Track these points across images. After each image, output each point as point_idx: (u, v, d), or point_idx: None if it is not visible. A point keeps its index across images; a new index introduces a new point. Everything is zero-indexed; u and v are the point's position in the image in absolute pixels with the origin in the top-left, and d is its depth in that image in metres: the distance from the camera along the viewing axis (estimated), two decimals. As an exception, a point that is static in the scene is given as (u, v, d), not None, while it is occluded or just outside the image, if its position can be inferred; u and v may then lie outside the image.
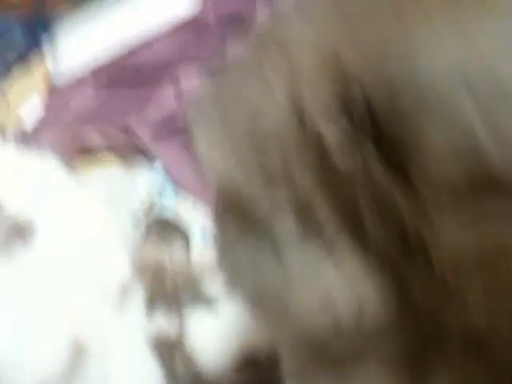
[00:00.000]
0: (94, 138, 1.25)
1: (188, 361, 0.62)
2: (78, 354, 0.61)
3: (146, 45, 1.43)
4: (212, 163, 0.42)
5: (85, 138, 1.25)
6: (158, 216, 0.92)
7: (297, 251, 0.38)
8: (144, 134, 1.17)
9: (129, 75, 1.38)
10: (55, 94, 1.48)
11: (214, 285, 0.66)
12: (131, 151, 1.23)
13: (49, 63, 1.53)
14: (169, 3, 1.52)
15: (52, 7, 1.72)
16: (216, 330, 0.62)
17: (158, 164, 1.13)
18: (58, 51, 1.55)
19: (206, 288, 0.67)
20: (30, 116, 1.41)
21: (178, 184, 1.08)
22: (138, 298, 0.66)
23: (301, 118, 0.35)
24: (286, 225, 0.38)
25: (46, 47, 1.60)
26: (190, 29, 1.44)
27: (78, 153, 1.25)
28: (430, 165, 0.30)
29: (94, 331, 0.63)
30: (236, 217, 0.42)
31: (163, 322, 0.65)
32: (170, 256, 0.69)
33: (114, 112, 1.30)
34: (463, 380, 0.35)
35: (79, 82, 1.43)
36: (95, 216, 0.83)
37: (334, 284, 0.36)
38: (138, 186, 1.05)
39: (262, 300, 0.42)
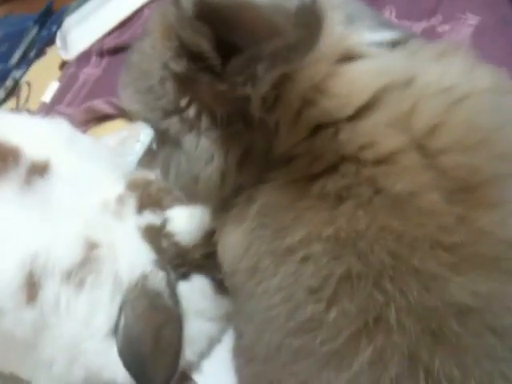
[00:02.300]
0: (104, 108, 1.42)
1: (170, 238, 0.79)
2: (90, 247, 0.80)
3: (138, 14, 1.62)
4: (125, 103, 0.60)
5: (96, 108, 1.42)
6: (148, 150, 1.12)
7: (186, 142, 0.55)
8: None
9: (126, 42, 1.57)
10: (66, 67, 1.67)
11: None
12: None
13: (61, 52, 1.72)
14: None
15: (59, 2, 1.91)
16: (188, 216, 0.79)
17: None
18: (68, 40, 1.74)
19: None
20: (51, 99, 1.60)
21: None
22: (131, 204, 0.86)
23: (163, 63, 0.52)
24: (178, 132, 0.55)
25: (58, 39, 1.79)
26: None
27: (90, 121, 1.43)
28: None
29: (101, 230, 0.82)
30: (155, 135, 0.61)
31: (150, 218, 0.81)
32: (155, 176, 0.87)
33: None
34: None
35: (84, 53, 1.64)
36: (98, 153, 1.00)
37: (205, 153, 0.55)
38: (140, 139, 1.25)
39: (180, 181, 0.60)
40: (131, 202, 0.85)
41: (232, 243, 0.54)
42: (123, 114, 1.44)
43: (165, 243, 0.80)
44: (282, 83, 0.48)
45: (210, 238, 0.73)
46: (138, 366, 0.72)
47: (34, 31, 1.88)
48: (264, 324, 0.50)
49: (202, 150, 0.54)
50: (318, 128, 0.49)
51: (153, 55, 0.53)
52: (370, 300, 0.43)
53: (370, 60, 0.51)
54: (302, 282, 0.46)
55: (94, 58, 1.63)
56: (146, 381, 0.73)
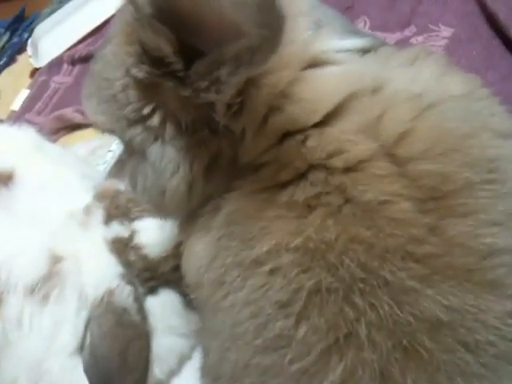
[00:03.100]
0: (75, 116, 1.40)
1: (138, 250, 0.77)
2: (55, 260, 0.77)
3: (111, 21, 1.60)
4: (89, 115, 0.58)
5: (66, 117, 1.39)
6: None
7: (151, 152, 0.53)
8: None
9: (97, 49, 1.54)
10: (37, 75, 1.64)
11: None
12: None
13: (32, 59, 1.69)
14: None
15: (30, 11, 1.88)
16: (157, 228, 0.78)
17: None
18: (39, 48, 1.71)
19: None
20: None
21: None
22: (99, 215, 0.83)
23: (125, 69, 0.50)
24: (143, 142, 0.53)
25: (29, 46, 1.76)
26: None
27: (61, 130, 1.40)
28: None
29: (66, 242, 0.79)
30: (123, 147, 0.59)
31: (118, 229, 0.80)
32: (124, 186, 0.85)
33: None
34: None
35: (56, 61, 1.62)
36: (66, 162, 0.97)
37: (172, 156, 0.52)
38: (112, 148, 1.23)
39: (147, 193, 0.57)
40: (99, 213, 0.82)
41: (197, 253, 0.52)
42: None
43: (132, 256, 0.78)
44: (246, 89, 0.47)
45: (179, 251, 0.71)
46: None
47: (4, 38, 1.85)
48: (230, 341, 0.47)
49: (168, 160, 0.52)
50: (285, 135, 0.48)
51: (114, 62, 0.51)
52: (340, 315, 0.41)
53: (337, 66, 0.49)
54: (271, 295, 0.44)
55: (65, 66, 1.60)
56: None
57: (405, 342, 0.40)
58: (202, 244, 0.51)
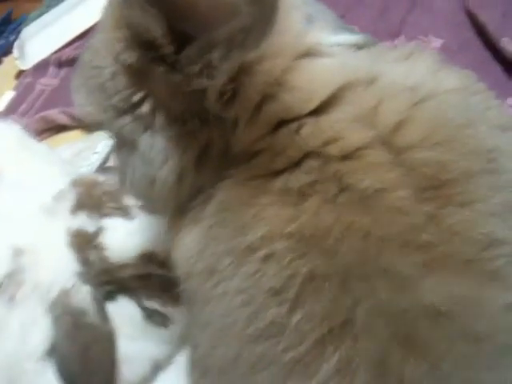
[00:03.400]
0: (59, 117, 1.38)
1: (99, 251, 0.72)
2: (17, 254, 0.71)
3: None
4: (78, 107, 0.56)
5: (50, 118, 1.37)
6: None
7: (141, 142, 0.51)
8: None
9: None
10: (22, 76, 1.62)
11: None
12: (93, 126, 1.36)
13: (18, 61, 1.67)
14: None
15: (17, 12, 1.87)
16: (126, 231, 0.73)
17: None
18: (26, 50, 1.69)
19: (125, 202, 0.77)
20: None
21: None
22: (69, 200, 0.76)
23: (114, 56, 0.49)
24: (132, 132, 0.51)
25: (15, 49, 1.74)
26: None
27: (45, 132, 1.38)
28: None
29: (30, 233, 0.73)
30: (113, 140, 0.57)
31: (84, 222, 0.74)
32: (104, 179, 0.81)
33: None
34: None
35: (42, 63, 1.59)
36: (49, 159, 0.94)
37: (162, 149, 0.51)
38: (97, 150, 1.21)
39: (136, 186, 0.55)
40: (69, 198, 0.78)
41: (187, 244, 0.50)
42: (80, 125, 1.41)
43: (93, 255, 0.74)
44: (239, 76, 0.46)
45: (143, 260, 0.69)
46: None
47: (-11, 40, 1.81)
48: (221, 331, 0.46)
49: (157, 151, 0.50)
50: (279, 124, 0.47)
51: (103, 49, 0.50)
52: (335, 303, 0.40)
53: (331, 58, 0.49)
54: (264, 283, 0.43)
55: (51, 69, 1.59)
56: None
57: (403, 331, 0.38)
58: (192, 234, 0.50)
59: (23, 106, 1.49)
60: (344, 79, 0.47)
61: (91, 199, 0.77)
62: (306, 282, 0.41)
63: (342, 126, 0.45)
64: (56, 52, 1.65)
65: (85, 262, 0.72)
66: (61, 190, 0.79)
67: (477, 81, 0.51)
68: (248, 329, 0.43)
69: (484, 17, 1.12)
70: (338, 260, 0.40)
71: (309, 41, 0.49)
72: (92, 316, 0.69)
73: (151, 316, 0.74)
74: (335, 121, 0.45)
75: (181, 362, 0.78)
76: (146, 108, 0.49)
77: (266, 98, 0.47)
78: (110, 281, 0.73)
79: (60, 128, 1.38)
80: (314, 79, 0.47)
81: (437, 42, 1.22)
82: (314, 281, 0.41)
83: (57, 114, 1.36)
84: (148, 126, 0.50)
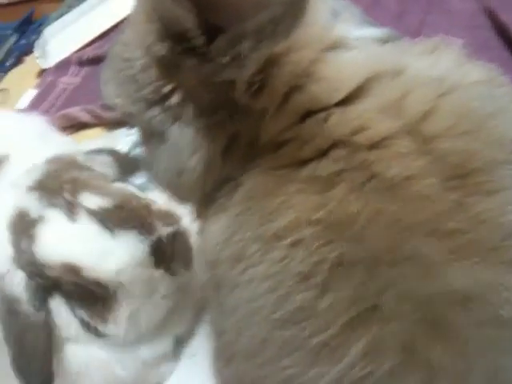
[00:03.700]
0: (81, 115, 1.40)
1: (30, 243, 0.69)
2: None
3: (119, 25, 1.61)
4: (107, 98, 0.57)
5: (72, 115, 1.39)
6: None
7: (170, 134, 0.52)
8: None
9: (106, 52, 1.55)
10: (44, 75, 1.64)
11: (93, 200, 0.72)
12: (114, 124, 1.38)
13: (40, 61, 1.70)
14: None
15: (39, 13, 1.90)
16: (60, 233, 0.69)
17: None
18: (47, 49, 1.72)
19: (84, 200, 0.72)
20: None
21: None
22: (30, 178, 0.74)
23: (145, 48, 0.49)
24: (162, 123, 0.52)
25: (36, 48, 1.77)
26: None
27: (66, 129, 1.40)
28: None
29: None
30: (141, 132, 0.58)
31: (31, 204, 0.70)
32: (90, 171, 0.77)
33: (99, 90, 1.46)
34: None
35: (64, 62, 1.61)
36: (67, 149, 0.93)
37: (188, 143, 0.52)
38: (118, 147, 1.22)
39: (165, 176, 0.56)
40: (34, 174, 0.75)
41: (214, 232, 0.51)
42: (100, 123, 1.43)
43: (24, 243, 0.70)
44: (267, 68, 0.47)
45: (66, 269, 0.67)
46: (15, 370, 0.68)
47: (12, 39, 1.85)
48: (248, 316, 0.47)
49: (186, 141, 0.51)
50: (306, 114, 0.48)
51: (135, 42, 0.51)
52: (363, 288, 0.41)
53: (358, 50, 0.50)
54: (291, 268, 0.43)
55: (72, 68, 1.61)
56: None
57: (430, 316, 0.39)
58: (220, 222, 0.51)
59: (45, 104, 1.51)
60: (371, 71, 0.47)
61: (54, 181, 0.73)
62: (334, 268, 0.41)
63: (370, 116, 0.45)
64: (77, 51, 1.67)
65: (17, 247, 0.70)
66: (33, 165, 0.77)
67: (501, 74, 0.52)
68: (275, 314, 0.44)
69: (505, 16, 1.12)
70: (366, 246, 0.41)
71: (335, 34, 0.50)
72: (24, 304, 0.68)
73: (86, 326, 0.72)
74: (362, 111, 0.46)
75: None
76: (175, 99, 0.50)
77: (294, 88, 0.47)
78: (40, 275, 0.70)
79: (81, 125, 1.40)
80: (341, 71, 0.48)
81: (457, 42, 1.21)
82: (342, 266, 0.41)
83: (78, 112, 1.38)
84: (177, 118, 0.51)
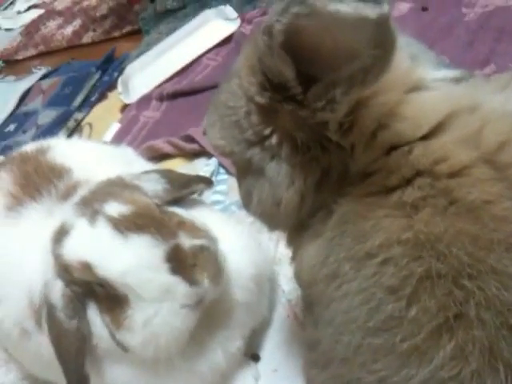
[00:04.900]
0: (163, 147, 1.50)
1: (61, 248, 0.76)
2: None
3: (196, 61, 1.76)
4: (211, 140, 0.66)
5: (156, 147, 1.50)
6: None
7: (269, 169, 0.60)
8: (205, 142, 1.41)
9: (184, 87, 1.67)
10: (127, 110, 1.78)
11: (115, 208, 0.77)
12: (194, 155, 1.48)
13: (122, 96, 1.84)
14: (214, 28, 1.83)
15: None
16: (78, 236, 0.76)
17: (213, 159, 1.40)
18: (130, 85, 1.85)
19: (108, 208, 0.77)
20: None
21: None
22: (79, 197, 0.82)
23: (248, 97, 0.57)
24: (261, 160, 0.60)
25: (119, 84, 1.91)
26: (233, 42, 1.79)
27: (150, 160, 1.50)
28: None
29: None
30: (238, 169, 0.67)
31: (69, 215, 0.77)
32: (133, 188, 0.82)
33: (178, 123, 1.57)
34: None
35: (145, 98, 1.74)
36: None
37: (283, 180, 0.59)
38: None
39: (262, 206, 0.63)
40: (84, 191, 0.84)
41: (310, 255, 0.59)
42: (182, 153, 1.53)
43: (56, 250, 0.79)
44: (357, 109, 0.53)
45: (89, 269, 0.73)
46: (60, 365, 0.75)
47: (96, 76, 1.99)
48: (343, 326, 0.53)
49: (284, 176, 0.58)
50: (392, 147, 0.54)
51: (239, 92, 0.58)
52: (449, 297, 0.46)
53: (436, 90, 0.56)
54: (382, 283, 0.49)
55: (153, 102, 1.73)
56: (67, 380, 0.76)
57: (511, 322, 0.44)
58: (314, 247, 0.58)
59: (128, 137, 1.63)
60: (449, 108, 0.53)
61: (91, 196, 0.81)
62: (422, 280, 0.47)
63: (450, 148, 0.51)
64: (157, 87, 1.80)
65: (54, 255, 0.76)
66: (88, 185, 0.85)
67: None
68: (369, 322, 0.50)
69: None
70: (451, 260, 0.47)
71: (415, 76, 0.56)
72: (59, 311, 0.74)
73: (111, 334, 0.76)
74: (443, 143, 0.52)
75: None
76: (274, 140, 0.58)
77: (380, 126, 0.54)
78: (74, 281, 0.75)
79: (164, 156, 1.51)
80: (422, 109, 0.54)
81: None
82: (429, 279, 0.47)
83: (162, 144, 1.49)
84: (275, 155, 0.58)
